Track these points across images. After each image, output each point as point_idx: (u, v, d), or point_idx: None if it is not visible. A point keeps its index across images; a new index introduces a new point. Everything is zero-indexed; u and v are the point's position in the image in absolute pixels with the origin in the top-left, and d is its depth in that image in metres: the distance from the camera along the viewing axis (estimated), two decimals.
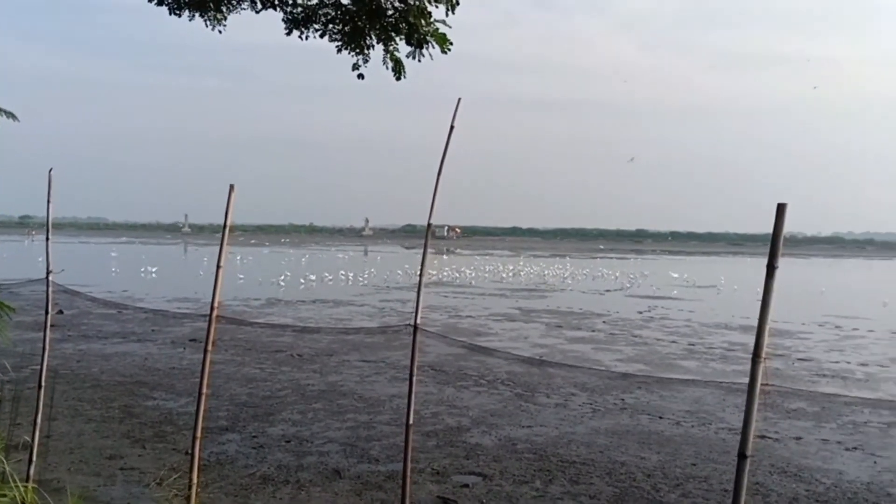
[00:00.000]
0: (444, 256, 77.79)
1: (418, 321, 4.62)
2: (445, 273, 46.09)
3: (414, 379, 4.58)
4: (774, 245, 3.21)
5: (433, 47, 7.33)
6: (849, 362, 16.09)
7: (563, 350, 16.84)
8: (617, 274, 49.89)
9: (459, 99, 4.55)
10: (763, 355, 3.18)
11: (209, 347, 4.93)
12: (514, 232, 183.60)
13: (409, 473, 4.51)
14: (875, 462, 8.50)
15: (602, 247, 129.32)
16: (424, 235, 4.73)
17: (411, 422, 4.57)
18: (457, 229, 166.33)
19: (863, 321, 24.44)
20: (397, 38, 7.49)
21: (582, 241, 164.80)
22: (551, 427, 9.72)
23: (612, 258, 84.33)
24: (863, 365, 15.77)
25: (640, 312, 25.91)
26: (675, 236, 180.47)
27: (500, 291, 34.14)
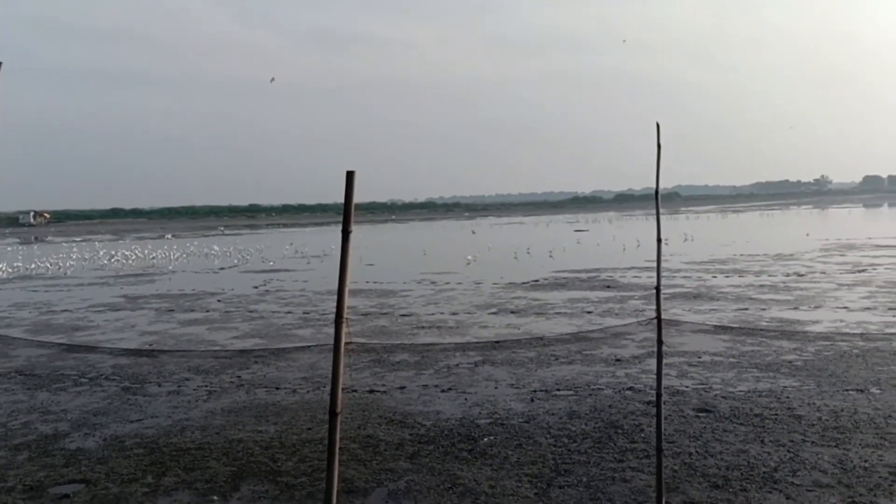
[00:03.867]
0: (34, 246, 68.89)
1: None
2: (34, 264, 40.85)
3: None
4: (347, 210, 3.37)
5: None
6: (443, 313, 18.01)
7: (175, 335, 16.08)
8: (230, 250, 49.15)
9: (0, 63, 3.93)
10: (346, 315, 3.34)
11: None
12: (116, 214, 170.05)
13: None
14: (466, 399, 9.64)
15: (218, 226, 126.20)
16: None
17: None
18: (45, 215, 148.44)
19: (452, 276, 27.56)
20: None
21: (193, 219, 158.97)
22: (163, 417, 9.22)
23: (225, 235, 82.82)
24: (454, 314, 17.78)
25: (256, 287, 25.90)
26: (288, 209, 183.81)
27: (102, 279, 31.36)
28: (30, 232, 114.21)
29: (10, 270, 36.63)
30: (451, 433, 8.16)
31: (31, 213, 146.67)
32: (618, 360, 11.80)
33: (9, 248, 64.02)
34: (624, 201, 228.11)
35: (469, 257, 34.66)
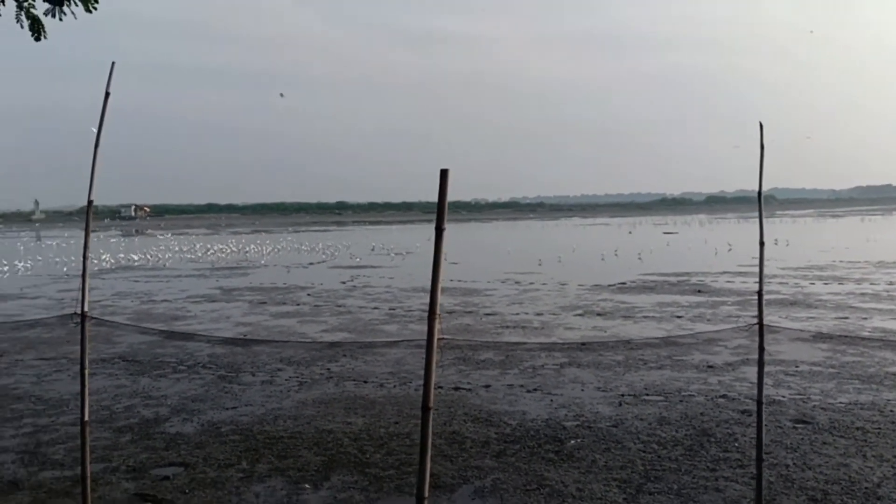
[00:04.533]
0: (134, 238, 72.32)
1: (87, 309, 4.18)
2: (136, 256, 42.87)
3: (87, 371, 4.16)
4: (441, 209, 3.40)
5: (76, 4, 6.58)
6: (527, 313, 17.92)
7: (267, 326, 16.59)
8: (320, 246, 50.31)
9: (113, 63, 4.14)
10: (438, 311, 3.37)
11: None
12: (211, 209, 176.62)
13: (88, 474, 4.11)
14: (552, 400, 9.58)
15: (308, 222, 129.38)
16: (86, 216, 4.25)
17: (87, 418, 4.16)
18: (145, 208, 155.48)
19: (537, 276, 27.39)
20: None
21: (283, 215, 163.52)
22: (257, 405, 9.53)
23: (314, 231, 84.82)
24: (539, 315, 17.68)
25: (344, 283, 26.41)
26: (374, 207, 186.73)
27: (199, 271, 32.63)
28: (131, 225, 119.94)
29: (113, 261, 38.53)
30: (537, 434, 8.11)
31: (133, 207, 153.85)
32: (710, 366, 11.47)
33: (112, 241, 67.38)
34: (715, 203, 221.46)
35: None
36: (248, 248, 48.45)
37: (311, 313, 18.60)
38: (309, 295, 22.59)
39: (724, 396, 9.62)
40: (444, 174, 3.31)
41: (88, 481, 4.06)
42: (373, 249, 46.19)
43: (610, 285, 23.94)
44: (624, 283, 24.39)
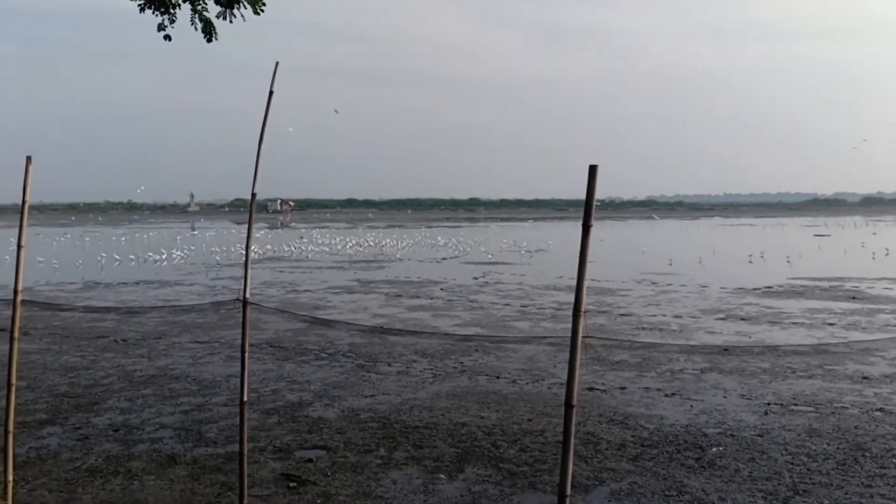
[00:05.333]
0: (279, 231, 75.98)
1: (248, 296, 4.43)
2: (281, 247, 45.04)
3: (246, 354, 4.41)
4: (588, 205, 3.35)
5: (245, 7, 6.97)
6: (665, 315, 17.39)
7: (402, 319, 16.99)
8: (453, 241, 50.97)
9: (277, 63, 4.36)
10: (583, 309, 3.32)
11: (15, 335, 4.49)
12: (350, 204, 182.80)
13: (245, 452, 4.36)
14: (692, 406, 9.25)
15: (441, 218, 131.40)
16: (249, 209, 4.52)
17: (246, 399, 4.41)
18: (290, 203, 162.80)
19: (675, 277, 26.52)
20: None
21: (417, 211, 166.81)
22: (394, 395, 9.79)
23: (447, 227, 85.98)
24: (677, 317, 17.11)
25: (476, 278, 26.64)
26: (506, 203, 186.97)
27: (338, 264, 33.87)
28: (276, 218, 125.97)
29: (261, 252, 40.67)
30: (675, 439, 7.86)
31: (278, 202, 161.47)
32: (865, 377, 10.70)
33: (259, 233, 71.13)
34: (872, 205, 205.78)
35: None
36: (383, 243, 49.79)
37: (444, 308, 18.87)
38: (442, 289, 22.94)
39: (881, 410, 8.95)
40: (592, 170, 3.27)
41: (246, 458, 4.31)
42: (504, 246, 46.28)
43: (755, 289, 22.81)
44: (770, 287, 23.17)
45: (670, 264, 31.36)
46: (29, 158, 4.30)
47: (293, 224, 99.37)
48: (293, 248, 43.75)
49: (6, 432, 4.75)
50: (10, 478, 4.68)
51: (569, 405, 3.35)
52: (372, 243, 49.38)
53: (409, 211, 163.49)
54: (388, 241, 52.16)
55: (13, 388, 4.57)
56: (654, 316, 17.26)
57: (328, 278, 27.06)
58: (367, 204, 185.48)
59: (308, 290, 22.89)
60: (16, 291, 4.38)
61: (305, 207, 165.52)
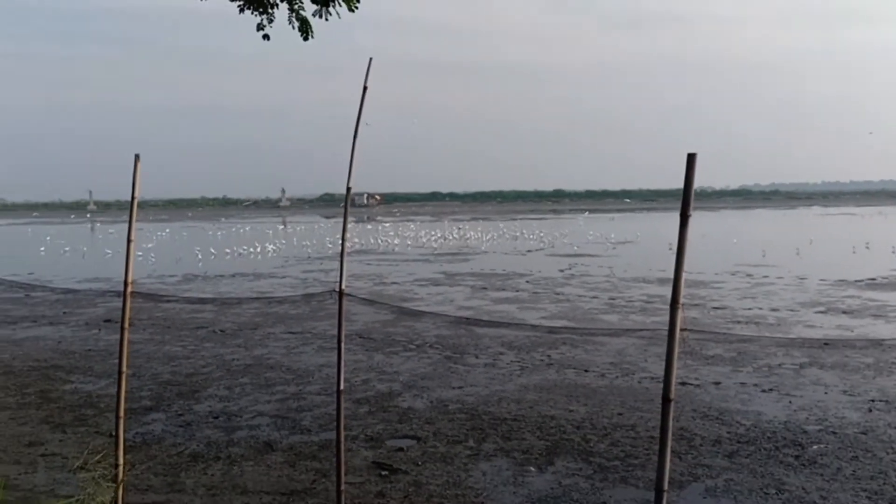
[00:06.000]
0: (366, 224, 77.24)
1: (344, 287, 4.54)
2: (368, 240, 45.80)
3: (342, 344, 4.51)
4: (687, 194, 3.26)
5: (340, 5, 7.09)
6: (761, 308, 16.81)
7: (488, 311, 17.01)
8: (538, 233, 50.64)
9: (371, 59, 4.43)
10: (681, 301, 3.25)
11: (126, 325, 4.73)
12: (435, 197, 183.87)
13: (342, 440, 4.47)
14: (790, 402, 8.92)
15: (525, 210, 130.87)
16: (344, 203, 4.62)
17: (342, 388, 4.51)
18: (377, 196, 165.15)
19: (772, 269, 25.56)
20: None
21: (501, 203, 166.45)
22: (481, 386, 9.83)
23: (531, 219, 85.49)
24: (774, 310, 16.50)
25: (562, 270, 26.39)
26: (591, 195, 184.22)
27: (424, 256, 34.18)
28: (364, 212, 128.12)
29: (349, 245, 41.45)
30: (773, 436, 7.60)
31: (365, 195, 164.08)
32: None
33: (338, 225, 72.35)
34: None
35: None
36: (468, 235, 49.94)
37: (530, 300, 18.79)
38: (527, 282, 22.84)
39: None
40: (691, 159, 3.18)
41: (342, 446, 4.41)
42: (590, 238, 45.66)
43: (857, 281, 21.76)
44: (874, 279, 22.05)
45: (763, 255, 30.24)
46: (137, 156, 4.52)
47: (379, 217, 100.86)
48: (379, 241, 44.42)
49: (117, 418, 5.01)
50: (122, 461, 4.94)
51: (666, 399, 3.28)
52: (456, 236, 49.60)
53: (494, 203, 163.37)
54: (472, 233, 52.27)
55: (124, 376, 4.82)
56: (749, 309, 16.70)
57: (414, 270, 27.36)
58: (452, 197, 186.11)
59: (395, 283, 23.20)
60: (126, 283, 4.61)
61: (391, 201, 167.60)
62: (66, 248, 40.48)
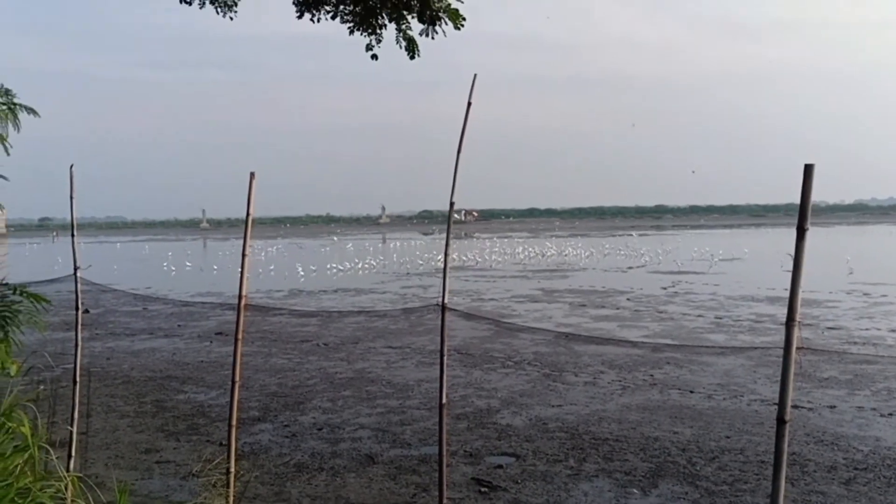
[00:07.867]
0: (464, 240, 77.66)
1: (446, 301, 4.59)
2: (466, 257, 46.02)
3: (445, 358, 4.56)
4: (804, 207, 3.14)
5: (446, 23, 7.22)
6: (879, 329, 15.87)
7: (588, 328, 16.76)
8: (639, 250, 49.56)
9: (475, 75, 4.49)
10: (797, 319, 3.12)
11: (240, 336, 4.94)
12: (532, 213, 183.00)
13: (445, 454, 4.50)
14: None
15: (627, 227, 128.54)
16: (447, 219, 4.70)
17: (444, 401, 4.55)
18: (474, 213, 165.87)
19: (891, 287, 24.09)
20: (409, 16, 7.37)
21: (601, 219, 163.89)
22: (581, 405, 9.68)
23: (632, 235, 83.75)
24: (893, 331, 15.55)
25: (664, 288, 25.72)
26: (695, 210, 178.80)
27: (522, 273, 34.04)
28: (460, 228, 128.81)
29: (452, 258, 41.75)
30: (894, 463, 7.15)
31: (462, 212, 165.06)
32: None
33: (436, 242, 72.97)
34: None
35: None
36: (566, 252, 49.41)
37: (632, 318, 18.39)
38: (628, 299, 22.37)
39: None
40: (808, 170, 3.07)
41: (445, 460, 4.44)
42: (694, 255, 44.30)
43: None
44: None
45: (850, 273, 28.50)
46: (252, 174, 4.73)
47: (476, 234, 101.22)
48: (477, 258, 44.56)
49: (230, 427, 5.21)
50: (233, 469, 5.14)
51: (781, 420, 3.15)
52: (555, 252, 49.16)
53: (593, 219, 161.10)
54: (570, 250, 51.69)
55: (237, 386, 5.02)
56: (866, 330, 15.80)
57: (512, 287, 27.28)
58: (549, 213, 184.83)
59: (493, 299, 23.20)
60: (240, 296, 4.82)
61: (489, 217, 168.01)
62: (189, 264, 42.58)
